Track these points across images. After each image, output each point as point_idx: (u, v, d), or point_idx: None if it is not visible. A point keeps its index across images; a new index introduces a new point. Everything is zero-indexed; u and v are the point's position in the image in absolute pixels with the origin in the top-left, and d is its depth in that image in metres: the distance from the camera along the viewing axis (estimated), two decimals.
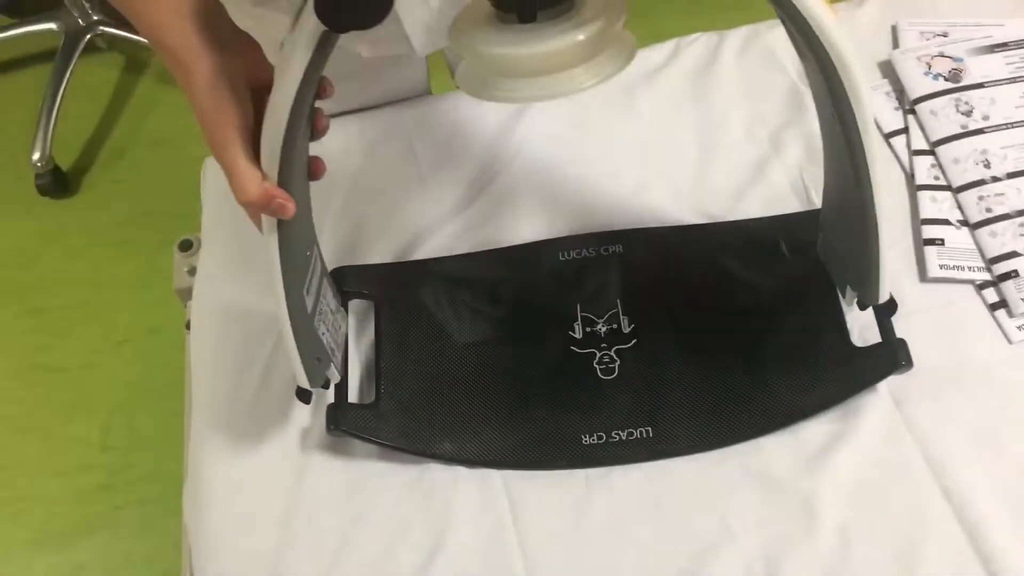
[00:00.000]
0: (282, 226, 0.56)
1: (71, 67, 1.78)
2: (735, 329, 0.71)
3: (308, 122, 0.56)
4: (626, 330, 0.72)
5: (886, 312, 0.68)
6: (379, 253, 0.79)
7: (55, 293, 1.62)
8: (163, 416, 1.31)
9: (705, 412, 0.68)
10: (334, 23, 0.45)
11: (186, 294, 0.90)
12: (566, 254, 0.75)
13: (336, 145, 0.83)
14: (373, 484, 0.69)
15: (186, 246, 0.96)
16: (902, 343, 0.67)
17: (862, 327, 0.70)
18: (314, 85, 0.50)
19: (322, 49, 0.48)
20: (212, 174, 0.88)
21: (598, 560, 0.65)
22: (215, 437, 0.73)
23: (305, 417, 0.72)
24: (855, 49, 0.52)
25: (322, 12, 0.44)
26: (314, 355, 0.66)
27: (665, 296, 0.73)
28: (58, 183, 1.72)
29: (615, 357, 0.71)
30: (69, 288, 1.62)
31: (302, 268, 0.63)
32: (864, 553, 0.63)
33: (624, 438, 0.68)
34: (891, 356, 0.66)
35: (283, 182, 0.53)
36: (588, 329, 0.72)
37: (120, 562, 1.32)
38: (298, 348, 0.63)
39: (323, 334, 0.67)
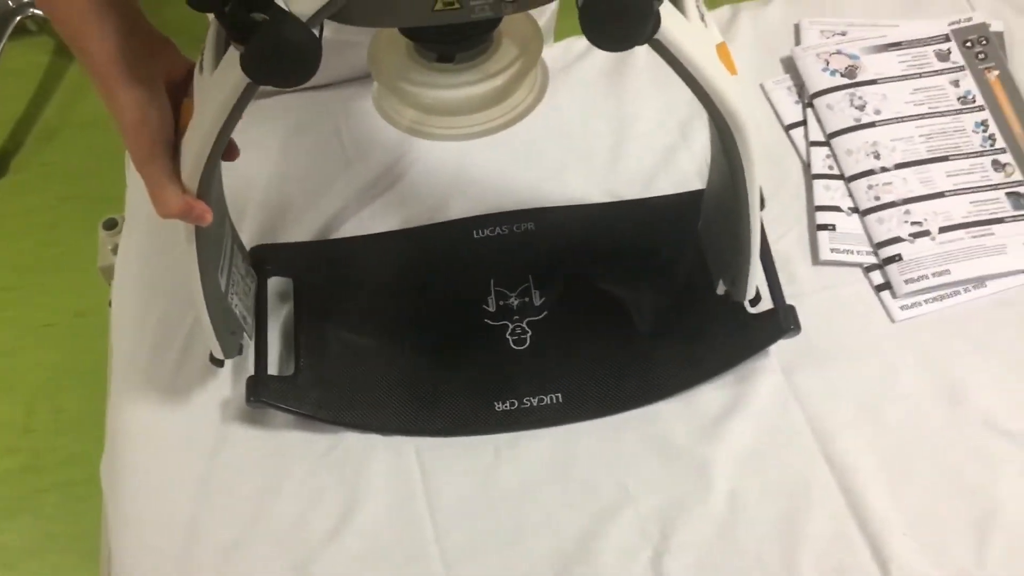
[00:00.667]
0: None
1: (0, 49, 1.77)
2: (638, 300, 0.75)
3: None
4: (537, 303, 0.75)
5: (754, 303, 0.72)
6: (300, 233, 0.81)
7: None
8: (87, 399, 1.31)
9: (611, 379, 0.72)
10: (257, 79, 0.48)
11: (110, 272, 0.91)
12: (480, 232, 0.79)
13: (264, 125, 0.85)
14: (289, 453, 0.71)
15: (110, 225, 0.97)
16: (791, 309, 0.71)
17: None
18: (236, 119, 0.52)
19: (246, 93, 0.50)
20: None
21: (505, 523, 0.68)
22: (134, 407, 0.74)
23: (225, 389, 0.74)
24: (747, 108, 0.55)
25: (247, 69, 0.46)
26: (229, 329, 0.68)
27: (574, 270, 0.77)
28: None
29: (527, 328, 0.74)
30: None
31: (216, 250, 0.65)
32: (752, 514, 0.67)
33: (535, 404, 0.71)
34: (780, 321, 0.71)
35: (201, 193, 0.56)
36: (501, 303, 0.75)
37: (42, 543, 1.32)
38: (213, 326, 0.66)
39: (235, 306, 0.69)
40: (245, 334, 0.72)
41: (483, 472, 0.70)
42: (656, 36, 0.48)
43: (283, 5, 0.45)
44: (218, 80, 0.50)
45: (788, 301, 0.72)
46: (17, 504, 1.35)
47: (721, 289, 0.72)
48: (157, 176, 0.55)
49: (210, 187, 0.57)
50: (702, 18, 0.53)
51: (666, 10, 0.48)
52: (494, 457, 0.70)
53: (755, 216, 0.62)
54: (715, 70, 0.52)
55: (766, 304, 0.73)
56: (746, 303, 0.71)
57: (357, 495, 0.69)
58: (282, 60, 0.46)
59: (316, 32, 0.46)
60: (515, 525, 0.68)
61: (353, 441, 0.71)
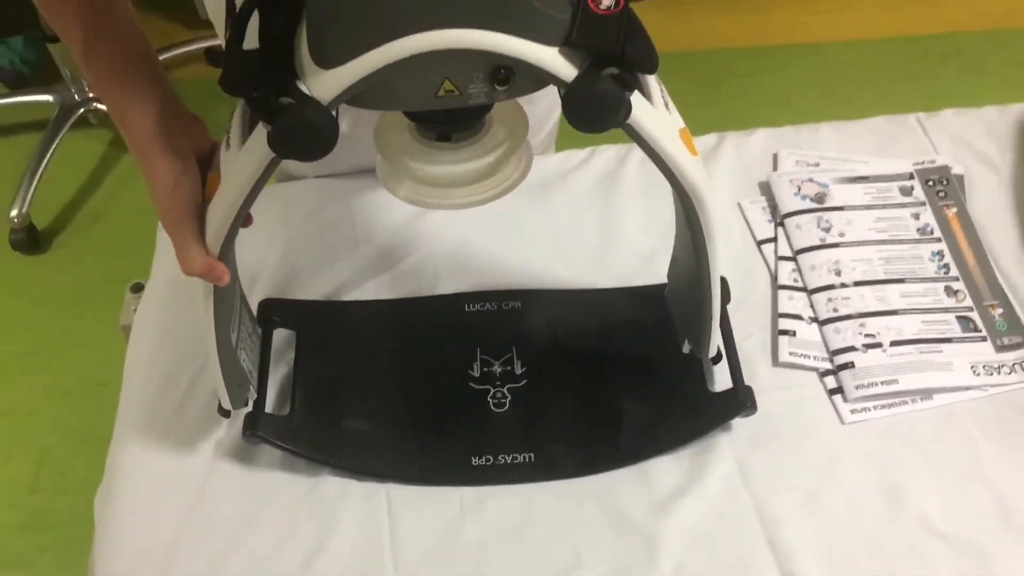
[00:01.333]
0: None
1: (60, 136, 1.92)
2: (610, 375, 0.82)
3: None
4: (518, 372, 0.82)
5: (715, 361, 0.80)
6: (308, 294, 0.89)
7: (9, 339, 1.69)
8: (96, 465, 1.36)
9: (581, 444, 0.78)
10: (282, 154, 0.56)
11: (129, 331, 0.99)
12: (471, 306, 0.87)
13: (283, 206, 0.95)
14: (271, 492, 0.76)
15: (137, 288, 1.05)
16: (748, 390, 0.78)
17: (720, 378, 0.81)
18: (259, 190, 0.60)
19: (270, 167, 0.58)
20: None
21: None
22: (134, 444, 0.80)
23: (220, 430, 0.80)
24: (711, 186, 0.64)
25: (272, 145, 0.54)
26: (237, 382, 0.75)
27: (554, 345, 0.84)
28: (31, 240, 1.82)
29: (507, 393, 0.81)
30: (24, 336, 1.69)
31: (229, 308, 0.73)
32: None
33: (509, 461, 0.77)
34: (739, 400, 0.77)
35: (222, 255, 0.64)
36: (485, 369, 0.82)
37: None
38: (224, 378, 0.73)
39: (243, 360, 0.77)
40: (251, 386, 0.78)
41: (447, 526, 0.75)
42: (628, 121, 0.56)
43: (305, 90, 0.53)
44: (245, 154, 0.58)
45: None
46: (14, 559, 1.39)
47: (687, 348, 0.79)
48: (184, 237, 0.63)
49: (230, 251, 0.65)
50: (667, 106, 0.61)
51: (636, 99, 0.56)
52: (459, 512, 0.75)
53: (715, 280, 0.69)
54: (677, 149, 0.60)
55: (726, 384, 0.79)
56: (710, 386, 0.79)
57: (327, 537, 0.74)
58: (305, 138, 0.54)
59: (334, 114, 0.54)
60: None
61: (331, 485, 0.76)
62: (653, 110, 0.59)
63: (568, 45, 0.52)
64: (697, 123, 1.05)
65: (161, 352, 0.86)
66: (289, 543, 0.74)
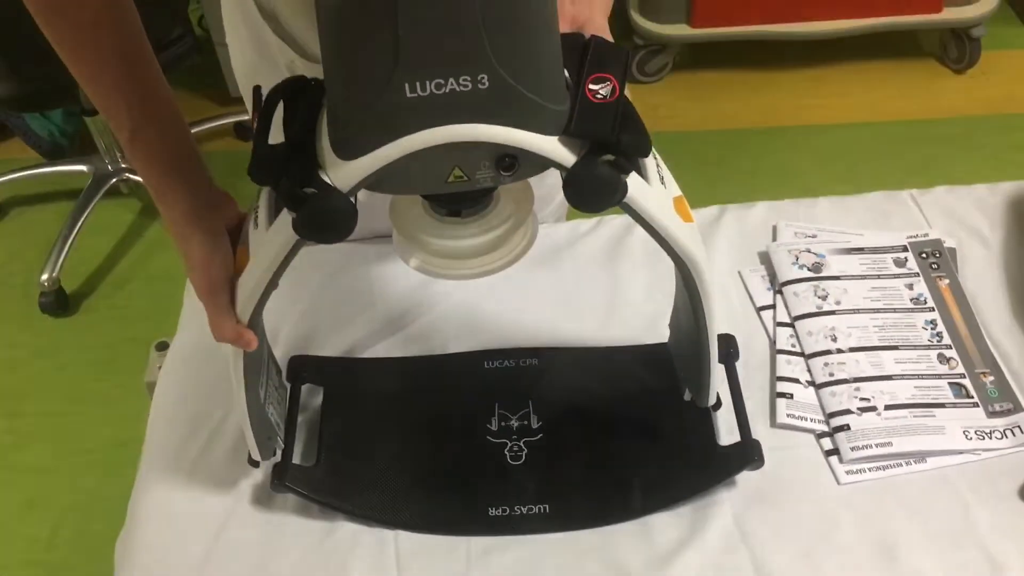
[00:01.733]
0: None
1: (92, 205, 1.99)
2: (622, 429, 0.86)
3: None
4: (535, 426, 0.86)
5: (715, 408, 0.83)
6: (330, 349, 0.93)
7: (35, 400, 1.74)
8: (113, 525, 1.39)
9: (594, 496, 0.81)
10: (306, 237, 0.61)
11: (153, 388, 1.03)
12: (490, 363, 0.91)
13: (306, 268, 1.00)
14: (287, 539, 0.79)
15: (162, 346, 1.10)
16: (756, 443, 0.81)
17: (728, 430, 0.84)
18: (285, 267, 0.65)
19: (295, 247, 0.63)
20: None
21: None
22: (156, 489, 0.84)
23: (239, 479, 0.84)
24: (706, 253, 0.68)
25: (297, 230, 0.60)
26: (265, 435, 0.80)
27: (569, 401, 0.88)
28: (59, 303, 1.88)
29: (523, 447, 0.84)
30: (49, 397, 1.74)
31: (257, 368, 0.77)
32: None
33: (524, 512, 0.80)
34: (747, 453, 0.80)
35: (251, 324, 0.69)
36: (503, 423, 0.86)
37: None
38: (254, 432, 0.78)
39: (271, 414, 0.81)
40: (279, 438, 0.82)
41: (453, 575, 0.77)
42: (624, 200, 0.61)
43: (327, 180, 0.57)
44: (272, 236, 0.64)
45: None
46: None
47: (688, 396, 0.83)
48: (217, 307, 0.69)
49: (259, 320, 0.70)
50: (662, 180, 0.66)
51: (632, 178, 0.61)
52: (465, 563, 0.78)
53: (712, 337, 0.73)
54: (670, 221, 0.64)
55: (733, 439, 0.83)
56: (718, 439, 0.83)
57: None
58: (326, 224, 0.59)
59: (353, 200, 0.59)
60: None
61: (344, 533, 0.79)
62: (648, 187, 0.63)
63: (567, 134, 0.57)
64: (703, 198, 1.11)
65: (185, 405, 0.90)
66: None
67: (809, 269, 0.96)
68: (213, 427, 0.87)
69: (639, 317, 0.95)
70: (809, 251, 0.98)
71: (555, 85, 0.56)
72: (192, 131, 0.76)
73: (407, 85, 0.52)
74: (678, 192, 0.67)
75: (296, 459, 0.84)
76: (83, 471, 1.62)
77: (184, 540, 0.80)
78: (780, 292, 0.96)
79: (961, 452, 0.83)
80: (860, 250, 0.99)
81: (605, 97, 0.57)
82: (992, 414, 0.85)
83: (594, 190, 0.59)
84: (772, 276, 0.98)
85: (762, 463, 0.80)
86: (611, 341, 0.93)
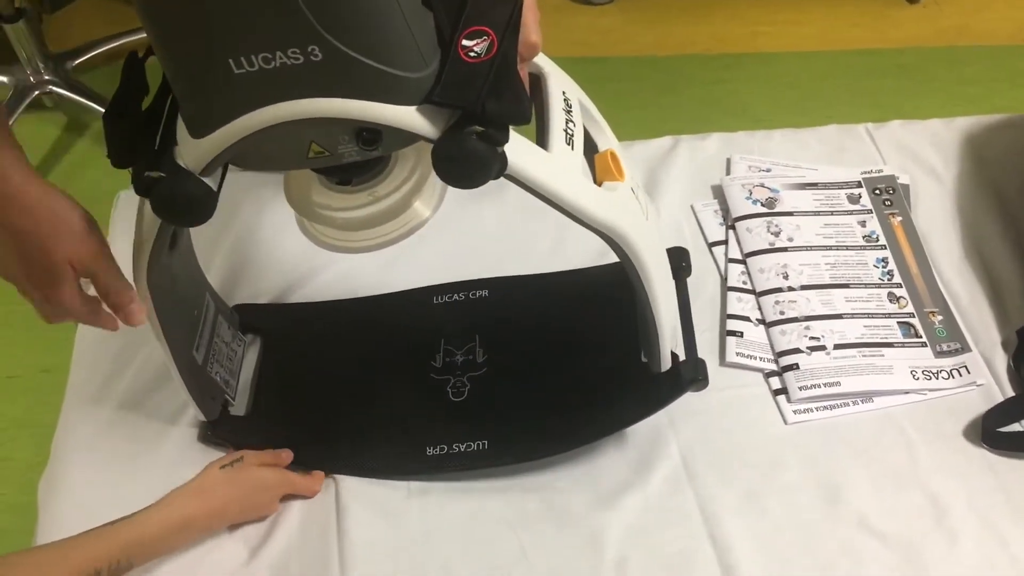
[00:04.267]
0: (160, 310, 0.67)
1: (13, 120, 1.87)
2: (567, 358, 0.83)
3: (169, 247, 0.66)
4: (480, 360, 0.83)
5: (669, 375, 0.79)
6: (265, 290, 0.89)
7: None
8: (38, 453, 1.34)
9: (534, 428, 0.79)
10: (166, 220, 0.58)
11: None
12: (439, 298, 0.87)
13: (235, 194, 0.94)
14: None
15: None
16: (701, 362, 0.78)
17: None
18: (164, 242, 0.62)
19: (163, 228, 0.60)
20: (123, 207, 0.97)
21: (406, 568, 0.73)
22: (80, 428, 0.80)
23: (168, 418, 0.80)
24: (632, 220, 0.63)
25: (156, 212, 0.56)
26: (209, 395, 0.76)
27: (517, 332, 0.85)
28: None
29: (466, 382, 0.82)
30: None
31: (191, 330, 0.73)
32: None
33: (463, 450, 0.77)
34: (689, 372, 0.77)
35: (156, 297, 0.65)
36: (448, 359, 0.83)
37: None
38: (192, 396, 0.74)
39: (216, 373, 0.77)
40: (227, 395, 0.79)
41: (393, 517, 0.75)
42: (508, 172, 0.54)
43: (180, 161, 0.53)
44: (140, 216, 0.61)
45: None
46: None
47: (645, 358, 0.79)
48: (112, 270, 0.64)
49: (173, 285, 0.66)
50: (568, 142, 0.59)
51: (520, 148, 0.54)
52: (405, 503, 0.76)
53: (657, 308, 0.69)
54: (571, 190, 0.58)
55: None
56: (664, 364, 0.78)
57: (275, 527, 0.74)
58: (180, 207, 0.55)
59: (216, 179, 0.55)
60: (415, 571, 0.73)
61: None
62: (540, 155, 0.57)
63: (428, 103, 0.51)
64: (655, 127, 1.07)
65: (108, 342, 0.85)
66: (234, 535, 0.74)
67: (763, 204, 0.94)
68: (138, 364, 0.83)
69: (587, 245, 0.91)
70: (763, 185, 0.95)
71: (407, 50, 0.49)
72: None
73: (231, 61, 0.47)
74: (610, 144, 0.62)
75: (242, 411, 0.80)
76: (7, 398, 1.55)
77: (111, 480, 0.76)
78: (733, 227, 0.93)
79: (908, 392, 0.82)
80: (814, 185, 0.96)
81: (479, 55, 0.50)
82: (940, 354, 0.85)
83: (462, 165, 0.52)
84: (725, 211, 0.95)
85: (706, 383, 0.77)
86: (564, 267, 0.90)
